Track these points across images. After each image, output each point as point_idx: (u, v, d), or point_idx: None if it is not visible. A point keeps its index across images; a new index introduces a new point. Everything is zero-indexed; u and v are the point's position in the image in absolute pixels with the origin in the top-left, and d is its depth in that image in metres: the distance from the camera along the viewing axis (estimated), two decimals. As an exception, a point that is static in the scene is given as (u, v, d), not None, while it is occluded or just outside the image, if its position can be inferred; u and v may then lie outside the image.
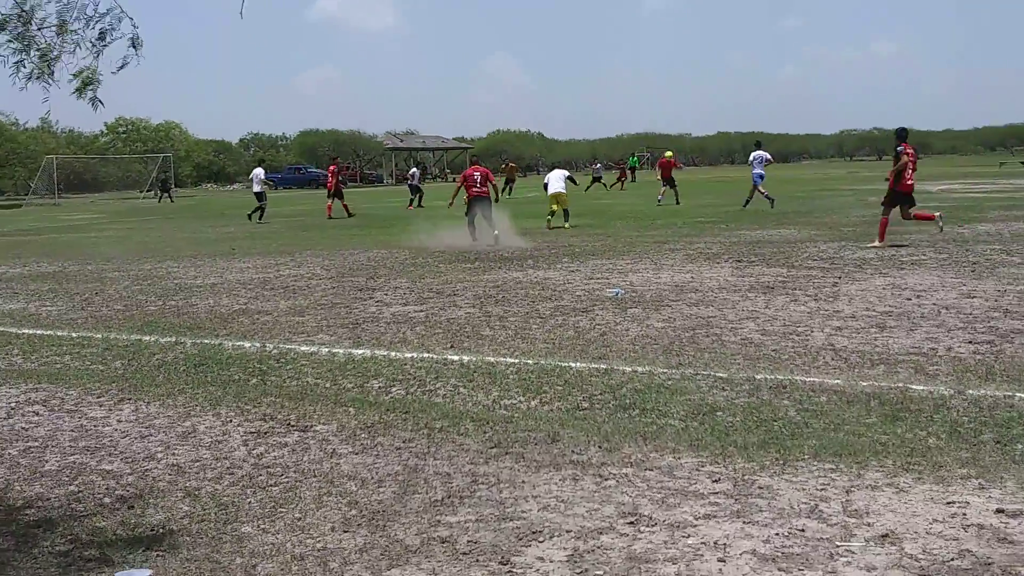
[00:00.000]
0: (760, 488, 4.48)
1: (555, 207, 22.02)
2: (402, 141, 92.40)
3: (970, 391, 6.06)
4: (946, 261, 12.82)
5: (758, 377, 6.60)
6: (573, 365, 7.22)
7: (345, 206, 29.81)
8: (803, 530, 3.96)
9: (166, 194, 57.02)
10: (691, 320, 8.97)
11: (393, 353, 7.96)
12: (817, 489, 4.43)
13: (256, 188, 28.98)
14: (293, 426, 5.90)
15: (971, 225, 18.49)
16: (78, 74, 4.29)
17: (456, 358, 7.64)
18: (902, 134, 15.63)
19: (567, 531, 4.07)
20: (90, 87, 4.31)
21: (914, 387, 6.19)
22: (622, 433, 5.45)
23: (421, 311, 10.15)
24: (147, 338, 9.11)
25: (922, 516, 4.05)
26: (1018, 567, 3.50)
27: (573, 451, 5.18)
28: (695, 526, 4.07)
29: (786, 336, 8.04)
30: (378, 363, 7.58)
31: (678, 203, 29.32)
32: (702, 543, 3.88)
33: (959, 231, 17.28)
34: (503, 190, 40.33)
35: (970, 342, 7.56)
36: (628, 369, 7.01)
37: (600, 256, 15.15)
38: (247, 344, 8.61)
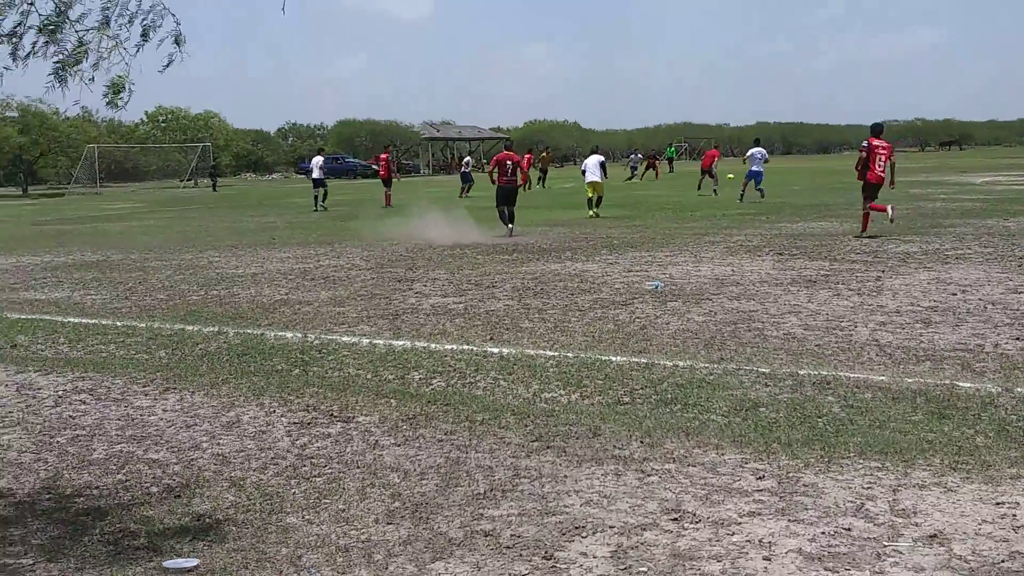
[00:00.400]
0: (805, 486, 4.44)
1: (591, 194, 22.60)
2: (439, 131, 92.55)
3: (1018, 389, 5.97)
4: (992, 255, 12.63)
5: (801, 372, 6.55)
6: (613, 359, 7.20)
7: (388, 195, 30.38)
8: (849, 529, 3.93)
9: (215, 182, 58.96)
10: (732, 314, 8.91)
11: (433, 345, 7.99)
12: (863, 488, 4.39)
13: (316, 175, 30.32)
14: (336, 417, 5.94)
15: (1017, 218, 18.20)
16: (111, 84, 4.29)
17: (496, 350, 7.64)
18: (876, 129, 16.05)
19: (610, 527, 4.07)
20: (121, 95, 4.32)
21: (961, 384, 6.11)
22: (664, 428, 5.43)
23: (460, 303, 10.17)
24: (190, 328, 9.21)
25: (971, 516, 4.00)
26: (1072, 571, 3.45)
27: (615, 446, 5.17)
28: (740, 524, 4.04)
29: (829, 331, 7.97)
30: (418, 354, 7.60)
31: (715, 194, 29.19)
32: (747, 541, 3.86)
33: (1004, 224, 17.01)
34: (538, 180, 40.38)
35: (1017, 339, 7.44)
36: (669, 363, 6.98)
37: (639, 248, 15.09)
38: (289, 334, 8.68)
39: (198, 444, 5.52)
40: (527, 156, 35.90)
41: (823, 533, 3.90)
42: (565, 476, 4.72)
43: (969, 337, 7.55)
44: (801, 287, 10.41)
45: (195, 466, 5.12)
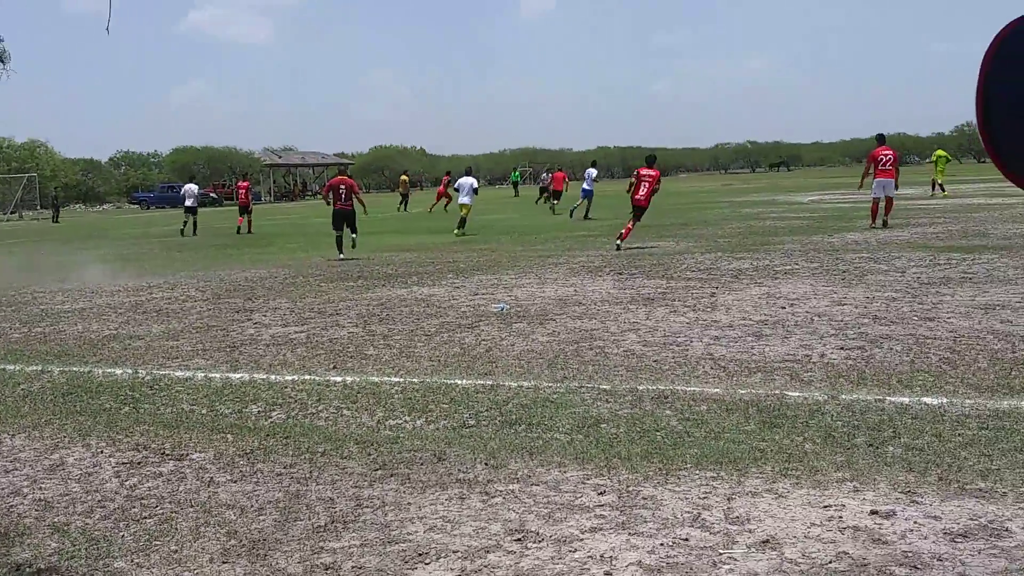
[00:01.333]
0: (644, 499, 4.51)
1: (464, 213, 24.80)
2: (280, 157, 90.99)
3: (843, 396, 6.25)
4: (817, 270, 13.28)
5: (640, 388, 6.69)
6: (459, 382, 7.18)
7: (249, 222, 31.34)
8: (687, 539, 4.00)
9: (56, 212, 56.61)
10: (575, 333, 9.04)
11: (273, 376, 7.77)
12: (700, 497, 4.49)
13: (189, 203, 31.42)
14: (168, 455, 5.68)
15: (840, 234, 19.22)
16: None
17: (339, 379, 7.50)
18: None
19: (454, 551, 4.02)
20: None
21: (790, 393, 6.36)
22: (508, 449, 5.43)
23: (302, 331, 9.95)
24: (11, 367, 8.67)
25: (801, 520, 4.15)
26: (892, 567, 3.61)
27: (459, 469, 5.13)
28: (582, 540, 4.07)
29: (666, 347, 8.18)
30: (257, 387, 7.38)
31: (554, 212, 30.22)
32: (589, 557, 3.88)
33: (829, 240, 17.93)
34: (400, 204, 40.64)
35: (842, 348, 7.82)
36: (514, 384, 7.01)
37: (485, 271, 15.17)
38: (118, 371, 8.28)
39: (18, 490, 5.17)
40: (402, 178, 37.92)
41: (662, 545, 3.96)
42: (409, 503, 4.65)
43: (797, 348, 7.89)
44: (640, 305, 10.66)
45: (14, 513, 4.79)
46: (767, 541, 3.94)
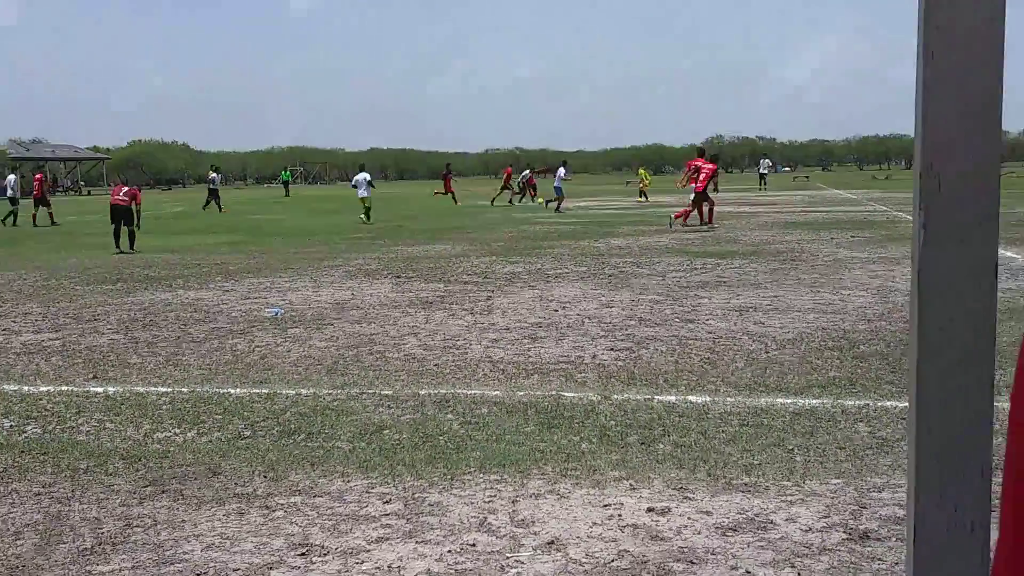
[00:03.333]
0: (431, 505, 4.51)
1: (367, 205, 27.74)
2: (28, 150, 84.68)
3: (615, 396, 6.50)
4: (586, 274, 13.76)
5: (422, 392, 6.68)
6: (232, 391, 6.91)
7: (51, 214, 31.18)
8: (474, 545, 4.03)
9: None
10: (354, 338, 8.92)
11: (26, 387, 7.20)
12: (485, 501, 4.53)
13: (9, 193, 32.11)
14: (-96, 479, 5.14)
15: (606, 239, 20.01)
16: None
17: (100, 390, 7.04)
18: (701, 151, 24.32)
19: (234, 570, 3.86)
20: None
21: (566, 394, 6.55)
22: (288, 460, 5.28)
23: (56, 339, 9.28)
24: None
25: (583, 520, 4.26)
26: (670, 563, 3.78)
27: (236, 483, 4.93)
28: (368, 551, 4.00)
29: (446, 350, 8.22)
30: (8, 399, 6.81)
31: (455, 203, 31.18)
32: (376, 568, 3.83)
33: (595, 245, 18.63)
34: (206, 203, 39.73)
35: (612, 349, 8.13)
36: (292, 392, 6.82)
37: (257, 274, 14.71)
38: None
39: None
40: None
41: (449, 551, 3.96)
42: (183, 521, 4.42)
43: (571, 350, 8.13)
44: (419, 308, 10.67)
45: None
46: (552, 542, 4.02)
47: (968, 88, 1.17)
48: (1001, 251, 11.99)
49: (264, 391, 6.87)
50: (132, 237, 19.18)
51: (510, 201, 40.20)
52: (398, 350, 8.29)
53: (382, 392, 6.74)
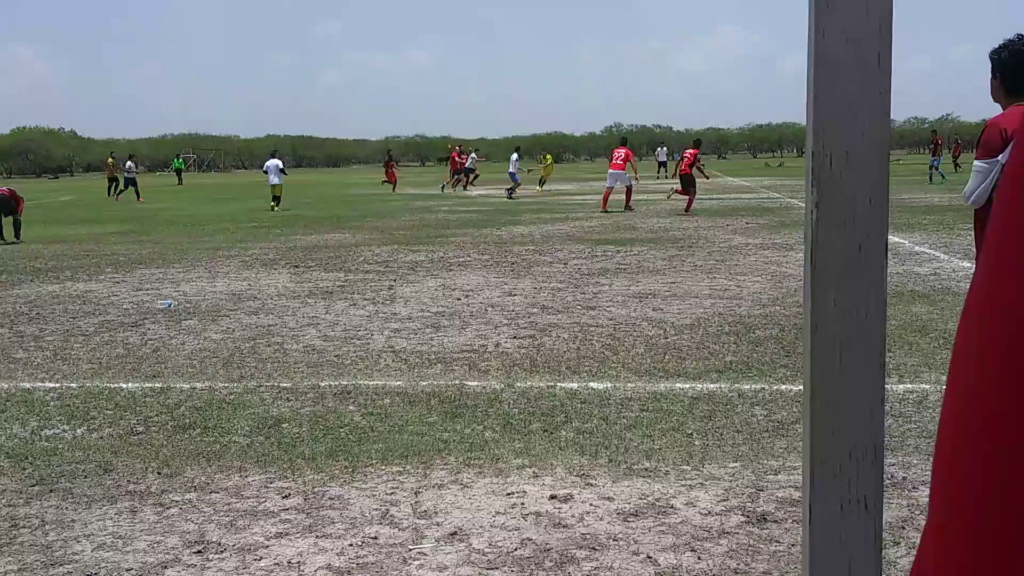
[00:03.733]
0: (331, 499, 4.43)
1: (276, 193, 27.58)
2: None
3: (518, 384, 6.50)
4: (489, 262, 13.76)
5: (322, 384, 6.58)
6: (124, 386, 6.69)
7: None
8: (376, 538, 3.97)
9: None
10: (251, 330, 8.74)
11: (-99, 386, 6.85)
12: (387, 494, 4.48)
13: None
14: None
15: (508, 228, 20.04)
16: None
17: (-17, 387, 6.74)
18: (697, 143, 25.39)
19: (127, 570, 3.73)
20: None
21: (469, 383, 6.52)
22: (183, 456, 5.13)
23: (-64, 334, 8.85)
24: None
25: (486, 510, 4.25)
26: (573, 550, 3.79)
27: (129, 481, 4.77)
28: (267, 547, 3.91)
29: (347, 340, 8.11)
30: None
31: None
32: (276, 564, 3.75)
33: (498, 233, 18.65)
34: (110, 190, 38.54)
35: (515, 337, 8.14)
36: (186, 386, 6.64)
37: (149, 265, 14.28)
38: None
39: None
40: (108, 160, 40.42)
41: (351, 545, 3.90)
42: (73, 520, 4.26)
43: (474, 338, 8.11)
44: (319, 299, 10.51)
45: None
46: (455, 533, 4.00)
47: (858, 70, 1.17)
48: (890, 236, 12.46)
49: (157, 385, 6.67)
50: (17, 227, 18.46)
51: (442, 188, 39.68)
52: (297, 341, 8.14)
53: (281, 385, 6.61)
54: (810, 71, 1.19)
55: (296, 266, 13.72)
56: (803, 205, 1.15)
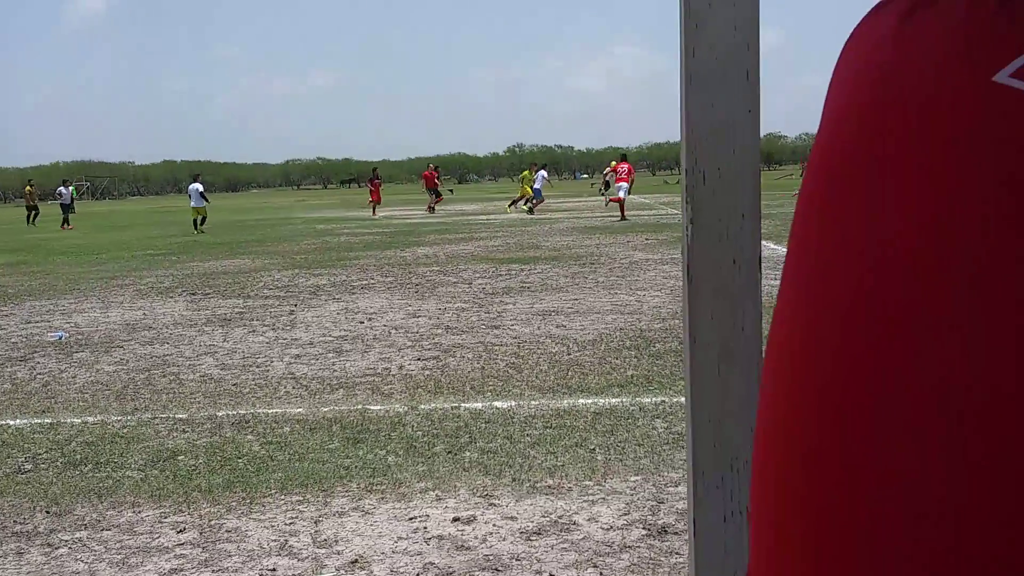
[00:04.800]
0: (228, 532, 4.31)
1: (194, 216, 28.90)
2: None
3: (422, 406, 6.45)
4: (392, 284, 13.66)
5: (220, 414, 6.42)
6: (11, 423, 6.42)
7: None
8: (274, 569, 3.88)
9: None
10: (146, 360, 8.49)
11: None
12: (286, 524, 4.38)
13: None
14: None
15: (411, 249, 19.96)
16: None
17: None
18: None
19: (10, 617, 3.56)
20: None
21: (372, 408, 6.44)
22: (73, 493, 4.93)
23: None
24: None
25: (387, 536, 4.19)
26: (476, 572, 3.76)
27: (15, 521, 4.57)
28: (161, 585, 3.79)
29: (246, 368, 7.94)
30: None
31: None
32: (170, 602, 3.62)
33: (402, 255, 18.55)
34: (29, 219, 36.86)
35: (419, 359, 8.08)
36: (77, 421, 6.40)
37: (38, 296, 13.77)
38: None
39: None
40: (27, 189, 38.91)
41: (249, 578, 3.80)
42: (-49, 568, 4.05)
43: (377, 362, 8.03)
44: (216, 326, 10.28)
45: None
46: (356, 561, 3.93)
47: (727, 88, 1.19)
48: (774, 246, 12.78)
49: (47, 421, 6.42)
50: None
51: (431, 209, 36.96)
52: (194, 371, 7.94)
53: (176, 416, 6.43)
54: (682, 90, 1.21)
55: (193, 293, 13.40)
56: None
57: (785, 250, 0.59)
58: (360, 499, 4.67)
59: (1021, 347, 0.45)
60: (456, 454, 5.34)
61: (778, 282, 0.57)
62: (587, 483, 4.76)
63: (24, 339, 9.91)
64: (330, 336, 9.40)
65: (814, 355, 0.51)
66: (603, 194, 35.82)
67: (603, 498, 4.53)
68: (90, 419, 6.44)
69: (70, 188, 40.19)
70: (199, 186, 30.34)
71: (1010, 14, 0.50)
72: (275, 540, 4.18)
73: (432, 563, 3.86)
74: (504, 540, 4.07)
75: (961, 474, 0.46)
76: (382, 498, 4.67)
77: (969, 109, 0.48)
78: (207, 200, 30.79)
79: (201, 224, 28.86)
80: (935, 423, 0.46)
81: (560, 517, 4.30)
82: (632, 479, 4.79)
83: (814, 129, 0.58)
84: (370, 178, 42.05)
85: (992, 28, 0.50)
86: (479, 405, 6.42)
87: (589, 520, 4.26)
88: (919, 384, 0.47)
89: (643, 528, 4.15)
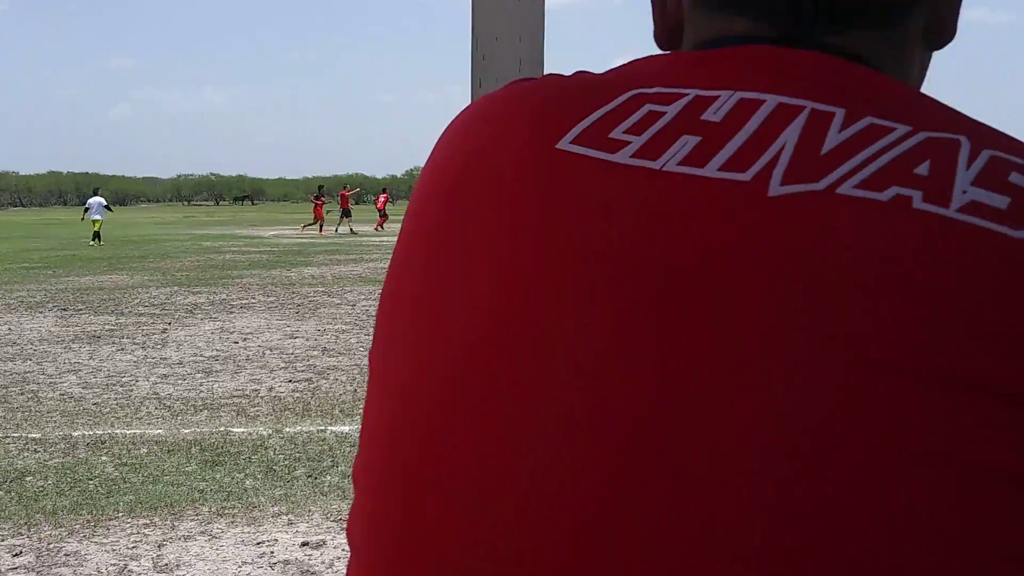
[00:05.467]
0: (67, 555, 4.18)
1: (96, 228, 28.55)
2: None
3: (287, 429, 6.37)
4: (274, 304, 13.46)
5: (75, 434, 6.22)
6: None
7: None
8: (112, 595, 3.78)
9: None
10: (4, 377, 8.17)
11: None
12: (128, 548, 4.27)
13: None
14: None
15: (298, 268, 19.70)
16: None
17: None
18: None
19: None
20: None
21: (235, 430, 6.34)
22: (-95, 516, 4.72)
23: None
24: None
25: (232, 560, 4.12)
26: (315, 596, 3.74)
27: None
28: (-12, 612, 3.65)
29: (109, 387, 7.72)
30: None
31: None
32: (-5, 630, 3.49)
33: (287, 274, 18.30)
34: None
35: (290, 381, 7.98)
36: (-81, 439, 6.13)
37: None
38: None
39: None
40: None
41: (83, 604, 3.69)
42: None
43: (247, 383, 7.90)
44: (84, 343, 9.96)
45: None
46: (197, 586, 3.86)
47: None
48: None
49: None
50: None
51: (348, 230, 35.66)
52: (54, 389, 7.68)
53: (29, 435, 6.21)
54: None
55: (64, 309, 12.96)
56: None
57: None
58: (209, 523, 4.58)
59: None
60: (316, 478, 5.29)
61: None
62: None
63: None
64: (201, 356, 9.21)
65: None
66: None
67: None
68: (-65, 438, 6.17)
69: None
70: (101, 199, 30.52)
71: (573, 88, 0.57)
72: (114, 564, 4.07)
73: (273, 588, 3.82)
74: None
75: None
76: (232, 522, 4.59)
77: (535, 174, 0.53)
78: (111, 210, 31.25)
79: (97, 239, 28.65)
80: None
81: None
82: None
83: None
84: (315, 196, 39.07)
85: (558, 104, 0.56)
86: (347, 428, 6.38)
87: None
88: None
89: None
